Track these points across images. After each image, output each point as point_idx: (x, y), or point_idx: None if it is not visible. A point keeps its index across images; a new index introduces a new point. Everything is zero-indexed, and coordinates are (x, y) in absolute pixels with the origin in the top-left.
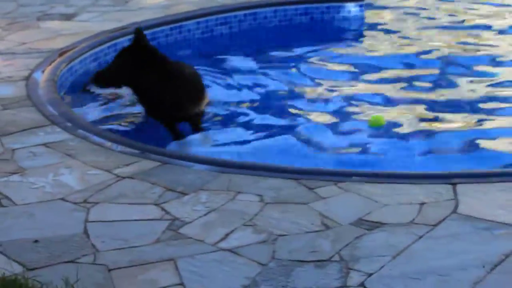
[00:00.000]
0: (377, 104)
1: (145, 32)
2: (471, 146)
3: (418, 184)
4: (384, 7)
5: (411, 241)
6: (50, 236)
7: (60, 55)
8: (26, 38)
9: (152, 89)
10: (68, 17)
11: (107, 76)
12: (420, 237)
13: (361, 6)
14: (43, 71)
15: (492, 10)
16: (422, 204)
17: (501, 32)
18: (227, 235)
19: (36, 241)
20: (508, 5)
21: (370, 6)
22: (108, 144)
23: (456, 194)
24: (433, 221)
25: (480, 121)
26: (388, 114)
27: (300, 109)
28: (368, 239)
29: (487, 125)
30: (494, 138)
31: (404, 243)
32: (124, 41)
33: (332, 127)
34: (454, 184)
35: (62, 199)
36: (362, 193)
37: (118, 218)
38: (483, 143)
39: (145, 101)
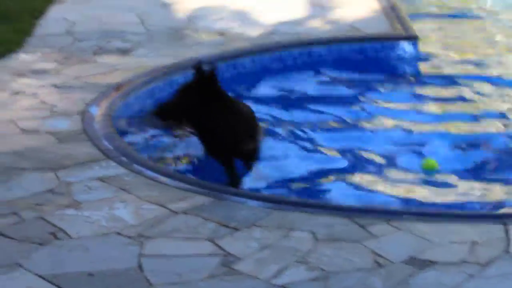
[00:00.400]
0: (431, 142)
1: None
2: None
3: (470, 223)
4: (438, 43)
5: (462, 280)
6: (105, 270)
7: (116, 89)
8: (82, 72)
9: (215, 125)
10: (124, 52)
11: (170, 109)
12: (471, 276)
13: (414, 43)
14: (98, 106)
15: None
16: (473, 243)
17: None
18: (279, 271)
19: (90, 274)
20: None
21: (424, 43)
22: (163, 178)
23: (508, 234)
24: (484, 260)
25: None
26: (442, 152)
27: (352, 147)
28: (419, 277)
29: None
30: None
31: (455, 282)
32: (180, 77)
33: (385, 166)
34: (505, 224)
35: (117, 233)
36: (414, 231)
37: (172, 252)
38: None
39: (207, 137)
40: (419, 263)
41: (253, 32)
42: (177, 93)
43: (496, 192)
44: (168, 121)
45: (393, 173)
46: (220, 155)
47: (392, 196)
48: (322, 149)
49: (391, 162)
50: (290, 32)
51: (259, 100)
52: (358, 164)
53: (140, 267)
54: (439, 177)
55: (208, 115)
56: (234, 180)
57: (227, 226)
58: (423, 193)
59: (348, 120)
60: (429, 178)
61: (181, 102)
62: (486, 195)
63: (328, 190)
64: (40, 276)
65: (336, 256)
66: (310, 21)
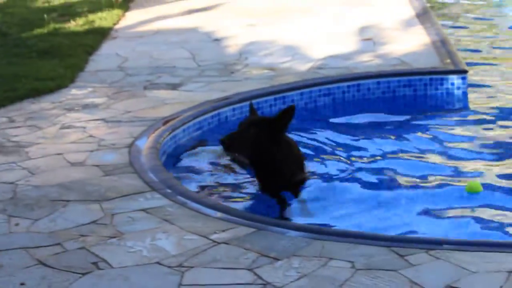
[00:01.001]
0: (476, 173)
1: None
2: None
3: (508, 252)
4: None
5: None
6: None
7: (164, 123)
8: (132, 106)
9: (277, 162)
10: (174, 86)
11: (243, 145)
12: None
13: (464, 78)
14: (146, 139)
15: None
16: (510, 272)
17: None
18: None
19: None
20: None
21: (474, 75)
22: (206, 210)
23: None
24: None
25: None
26: (483, 180)
27: (399, 177)
28: None
29: None
30: None
31: None
32: (228, 111)
33: (429, 195)
34: None
35: (158, 263)
36: (452, 260)
37: (211, 282)
38: None
39: (266, 173)
40: None
41: (302, 67)
42: (248, 128)
43: None
44: (233, 152)
45: (438, 203)
46: (274, 190)
47: (435, 225)
48: (365, 180)
49: (436, 192)
50: (339, 66)
51: (308, 133)
52: (404, 194)
53: None
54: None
55: (274, 152)
56: (285, 212)
57: (267, 256)
58: (466, 220)
59: (393, 153)
60: (472, 202)
61: (255, 139)
62: None
63: (369, 220)
64: None
65: (373, 284)
66: (359, 55)
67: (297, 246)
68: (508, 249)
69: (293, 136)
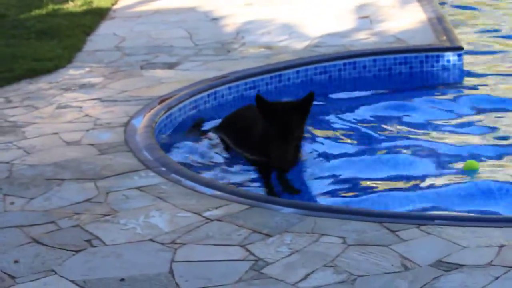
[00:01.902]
0: (473, 150)
1: (246, 80)
2: None
3: (499, 227)
4: (483, 53)
5: (487, 283)
6: (136, 275)
7: (160, 102)
8: (128, 86)
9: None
10: (170, 65)
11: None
12: (497, 278)
13: (459, 54)
14: (141, 118)
15: None
16: (501, 246)
17: None
18: (307, 275)
19: (122, 279)
20: None
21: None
22: (200, 187)
23: None
24: (511, 263)
25: None
26: (480, 157)
27: (395, 154)
28: (445, 280)
29: None
30: None
31: (480, 285)
32: (224, 89)
33: (423, 172)
34: None
35: (151, 240)
36: (443, 235)
37: (203, 258)
38: None
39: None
40: (445, 266)
41: (299, 45)
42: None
43: None
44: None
45: (433, 179)
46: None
47: (428, 201)
48: (363, 156)
49: (432, 168)
50: (335, 44)
51: None
52: (400, 170)
53: (171, 272)
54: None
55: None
56: (270, 189)
57: (259, 233)
58: (460, 197)
59: (391, 129)
60: (468, 180)
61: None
62: None
63: (366, 196)
64: (72, 281)
65: (364, 260)
66: (355, 33)
67: (290, 223)
68: (499, 224)
69: None
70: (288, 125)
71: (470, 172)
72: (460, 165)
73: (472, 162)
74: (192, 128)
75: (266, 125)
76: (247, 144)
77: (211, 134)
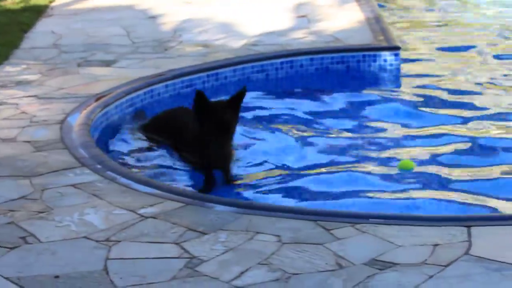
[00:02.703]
0: (406, 148)
1: (183, 78)
2: (489, 190)
3: (434, 226)
4: (419, 57)
5: (421, 281)
6: (70, 272)
7: (96, 100)
8: (65, 83)
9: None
10: (107, 63)
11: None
12: (431, 277)
13: (396, 54)
14: (78, 115)
15: None
16: (435, 245)
17: None
18: (242, 273)
19: (57, 276)
20: None
21: (406, 54)
22: (135, 185)
23: (470, 236)
24: (445, 262)
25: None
26: (415, 157)
27: (331, 152)
28: (379, 278)
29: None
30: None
31: (414, 283)
32: (161, 87)
33: (358, 171)
34: (468, 227)
35: (86, 237)
36: (378, 234)
37: (137, 256)
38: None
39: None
40: (380, 265)
41: (236, 44)
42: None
43: (463, 194)
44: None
45: (368, 177)
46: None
47: (363, 200)
48: (295, 156)
49: (367, 166)
50: (273, 43)
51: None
52: (335, 167)
53: (105, 269)
54: (412, 180)
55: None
56: (208, 186)
57: (194, 230)
58: (395, 195)
59: (328, 126)
60: (403, 179)
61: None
62: (454, 198)
63: (298, 195)
64: (6, 278)
65: (299, 258)
66: (293, 32)
67: (225, 221)
68: (434, 223)
69: None
70: (225, 123)
71: (405, 171)
72: (395, 163)
73: (407, 162)
74: (134, 117)
75: (202, 123)
76: (185, 145)
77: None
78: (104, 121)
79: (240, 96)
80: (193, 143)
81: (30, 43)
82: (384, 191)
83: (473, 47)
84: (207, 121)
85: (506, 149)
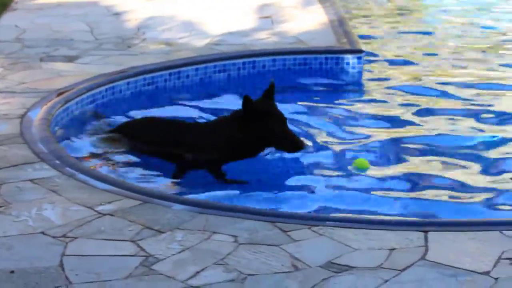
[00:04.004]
0: (364, 150)
1: (144, 76)
2: (448, 194)
3: (391, 230)
4: (384, 60)
5: (377, 285)
6: (26, 268)
7: (58, 95)
8: (27, 78)
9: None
10: (70, 59)
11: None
12: (386, 281)
13: (359, 57)
14: (39, 110)
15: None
16: (392, 249)
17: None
18: (197, 272)
19: (12, 271)
20: None
21: (370, 56)
22: (93, 181)
23: (427, 241)
24: (401, 266)
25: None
26: (373, 159)
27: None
28: (335, 281)
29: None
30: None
31: (369, 287)
32: (122, 84)
33: (316, 171)
34: (426, 232)
35: (42, 233)
36: (334, 237)
37: (93, 253)
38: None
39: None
40: (336, 268)
41: (199, 42)
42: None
43: (422, 197)
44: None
45: (323, 179)
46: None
47: (320, 201)
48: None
49: (326, 167)
50: (236, 43)
51: (203, 109)
52: (294, 170)
53: (61, 266)
54: (368, 181)
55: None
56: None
57: (151, 229)
58: (352, 198)
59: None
60: (358, 180)
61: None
62: (411, 201)
63: (256, 195)
64: None
65: (255, 259)
66: (256, 33)
67: (182, 220)
68: (391, 226)
69: (189, 110)
70: (281, 115)
71: (360, 170)
72: (351, 164)
73: (362, 161)
74: (94, 117)
75: (260, 125)
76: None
77: (114, 135)
78: (64, 117)
79: (272, 90)
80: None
81: None
82: (342, 194)
83: (436, 54)
84: (266, 120)
85: (464, 154)
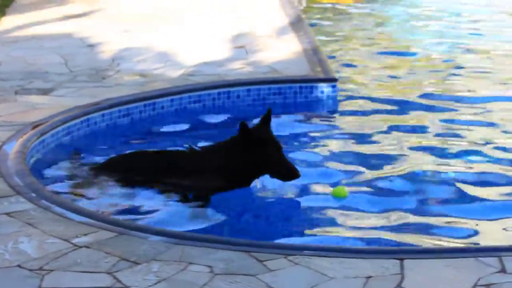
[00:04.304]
0: (339, 178)
1: (119, 108)
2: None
3: (367, 258)
4: (358, 88)
5: None
6: None
7: (33, 128)
8: (2, 111)
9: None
10: (45, 91)
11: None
12: None
13: (334, 86)
14: (14, 143)
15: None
16: (368, 277)
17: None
18: None
19: None
20: None
21: (344, 84)
22: (69, 214)
23: (402, 269)
24: None
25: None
26: (351, 187)
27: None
28: None
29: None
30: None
31: None
32: (97, 116)
33: (293, 201)
34: (401, 259)
35: (19, 266)
36: (311, 266)
37: (70, 285)
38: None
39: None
40: None
41: (174, 73)
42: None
43: (397, 226)
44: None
45: (301, 209)
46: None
47: (296, 231)
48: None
49: (301, 198)
50: (210, 73)
51: (178, 140)
52: (270, 200)
53: None
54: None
55: None
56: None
57: (127, 260)
58: (330, 225)
59: None
60: (337, 207)
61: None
62: (387, 230)
63: (234, 226)
64: None
65: None
66: (231, 63)
67: (157, 251)
68: (367, 255)
69: (164, 141)
70: (277, 142)
71: (339, 198)
72: (328, 192)
73: (341, 189)
74: (72, 157)
75: (257, 152)
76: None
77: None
78: (40, 149)
79: (269, 118)
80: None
81: None
82: (318, 223)
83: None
84: (262, 148)
85: (439, 182)
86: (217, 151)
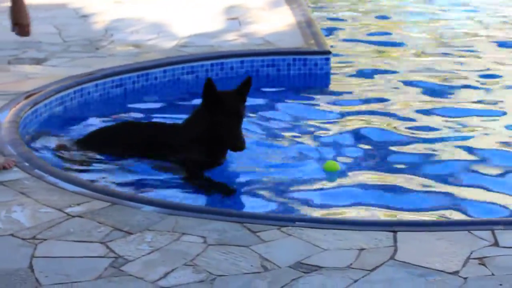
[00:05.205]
0: (335, 153)
1: (113, 78)
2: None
3: (360, 230)
4: (351, 61)
5: (346, 285)
6: None
7: (26, 98)
8: None
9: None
10: (38, 61)
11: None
12: (355, 281)
13: (327, 59)
14: (7, 113)
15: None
16: (361, 250)
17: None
18: (167, 273)
19: None
20: None
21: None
22: (63, 184)
23: (396, 241)
24: (370, 266)
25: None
26: (343, 161)
27: (259, 158)
28: (304, 281)
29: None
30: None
31: (339, 287)
32: (91, 86)
33: (285, 172)
34: (395, 232)
35: (12, 235)
36: (303, 237)
37: (63, 254)
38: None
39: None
40: (305, 268)
41: (167, 44)
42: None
43: (390, 199)
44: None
45: (295, 182)
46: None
47: (288, 201)
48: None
49: (293, 170)
50: (203, 45)
51: (171, 111)
52: (264, 174)
53: (31, 267)
54: (339, 182)
55: None
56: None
57: (120, 230)
58: (322, 199)
59: (256, 131)
60: (327, 182)
61: None
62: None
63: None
64: None
65: (224, 260)
66: (224, 34)
67: (151, 221)
68: (360, 227)
69: (155, 113)
70: (238, 111)
71: (331, 173)
72: (320, 166)
73: (332, 163)
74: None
75: (214, 114)
76: (173, 147)
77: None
78: (33, 119)
79: (247, 86)
80: (193, 141)
81: None
82: (312, 195)
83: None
84: (219, 109)
85: (433, 155)
86: (191, 114)
